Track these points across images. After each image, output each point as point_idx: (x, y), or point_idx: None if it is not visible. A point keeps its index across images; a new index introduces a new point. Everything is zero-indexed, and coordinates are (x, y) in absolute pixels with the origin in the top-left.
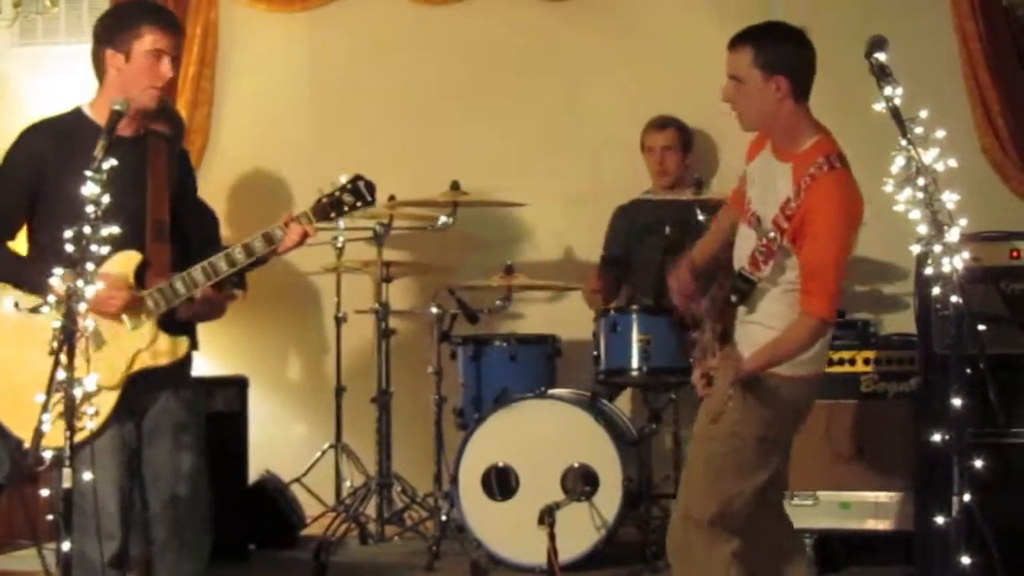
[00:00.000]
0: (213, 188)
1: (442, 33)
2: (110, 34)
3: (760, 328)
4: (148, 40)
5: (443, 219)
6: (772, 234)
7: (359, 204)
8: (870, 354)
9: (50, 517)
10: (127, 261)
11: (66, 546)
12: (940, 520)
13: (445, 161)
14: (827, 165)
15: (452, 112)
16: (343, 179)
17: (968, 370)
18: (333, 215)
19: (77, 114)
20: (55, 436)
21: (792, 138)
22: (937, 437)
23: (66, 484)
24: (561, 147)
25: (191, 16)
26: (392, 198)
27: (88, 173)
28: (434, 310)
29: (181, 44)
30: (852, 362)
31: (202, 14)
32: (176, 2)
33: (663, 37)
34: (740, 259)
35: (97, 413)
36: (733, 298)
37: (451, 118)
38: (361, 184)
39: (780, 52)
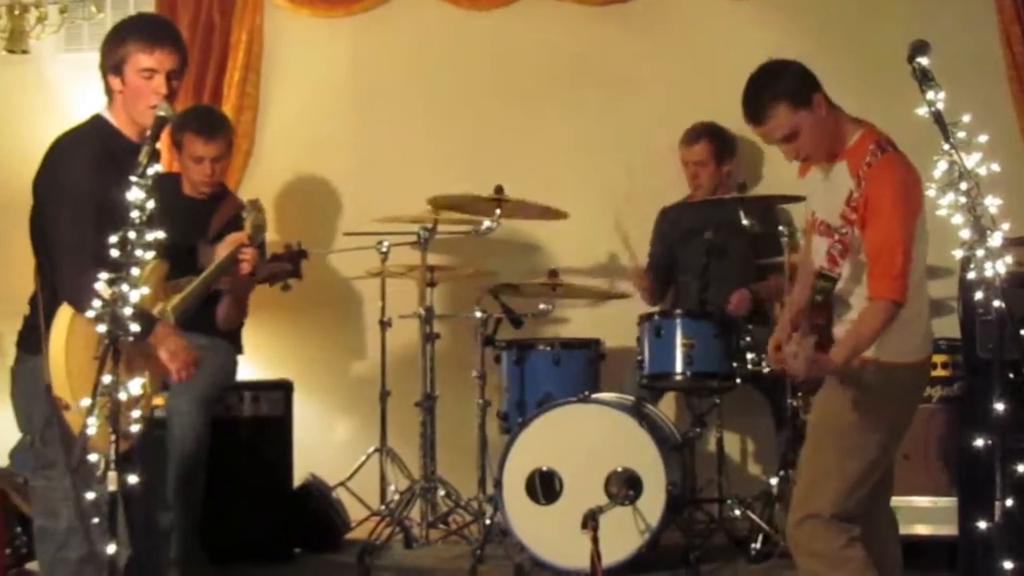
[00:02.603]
0: (258, 191)
1: (485, 38)
2: (106, 58)
3: None
4: (136, 61)
5: (487, 223)
6: (844, 229)
7: (262, 225)
8: None
9: (95, 521)
10: (156, 268)
11: (111, 549)
12: (983, 525)
13: (489, 165)
14: (880, 150)
15: (495, 116)
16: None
17: (1011, 375)
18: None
19: (102, 122)
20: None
21: (840, 138)
22: (980, 442)
23: (111, 487)
24: (604, 151)
25: (236, 22)
26: (435, 199)
27: (133, 179)
28: (478, 314)
29: (176, 52)
30: None
31: (247, 20)
32: (221, 9)
33: (706, 42)
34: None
35: (142, 418)
36: (817, 298)
37: (494, 122)
38: (258, 211)
39: (796, 80)
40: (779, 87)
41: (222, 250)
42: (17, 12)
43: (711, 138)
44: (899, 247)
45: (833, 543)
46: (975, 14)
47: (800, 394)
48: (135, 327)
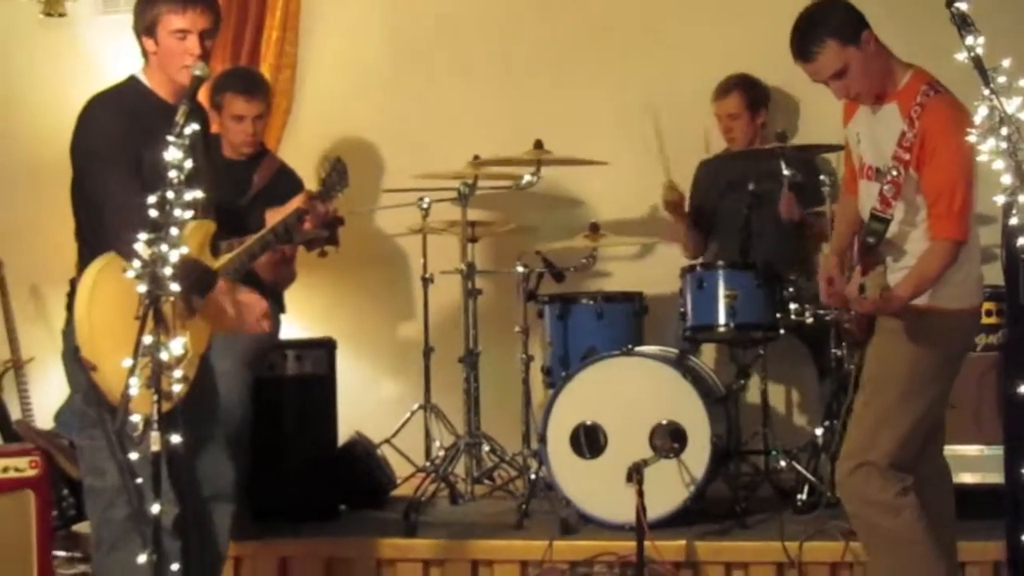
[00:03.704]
0: (298, 150)
1: None
2: (138, 19)
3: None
4: (168, 22)
5: (527, 178)
6: (896, 170)
7: (344, 185)
8: None
9: (139, 480)
10: (205, 228)
11: (155, 509)
12: None
13: (528, 120)
14: (932, 91)
15: (534, 71)
16: (328, 164)
17: None
18: (331, 197)
19: (136, 83)
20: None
21: (891, 78)
22: (1023, 389)
23: (155, 448)
24: (642, 103)
25: None
26: (476, 158)
27: (170, 138)
28: (520, 269)
29: (209, 11)
30: None
31: None
32: None
33: None
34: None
35: (186, 378)
36: (870, 240)
37: (534, 77)
38: (340, 166)
39: (844, 17)
40: (827, 23)
41: (277, 214)
42: None
43: (743, 89)
44: (959, 186)
45: (888, 491)
46: None
47: (844, 344)
48: (199, 281)
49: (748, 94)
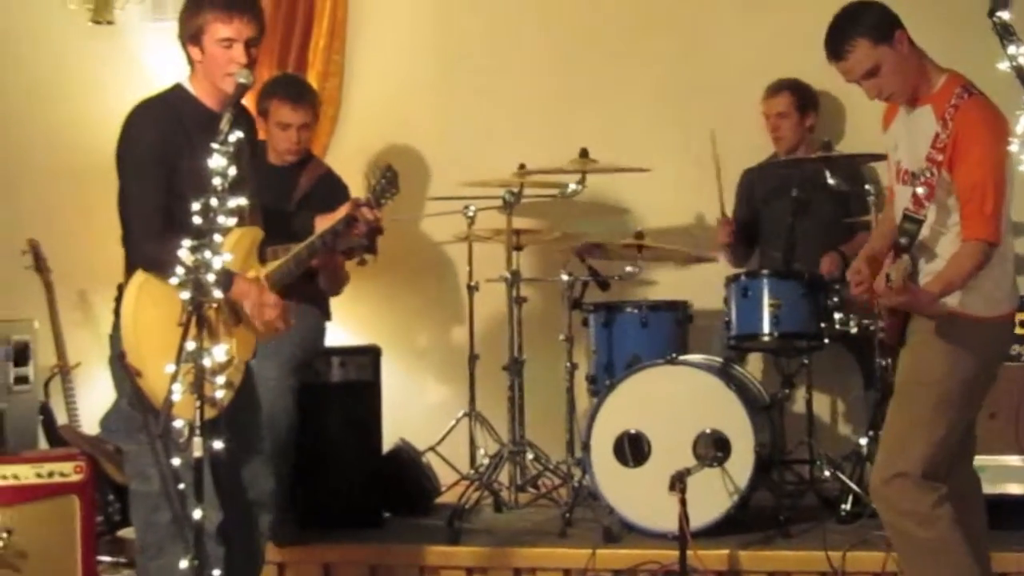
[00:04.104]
0: (345, 157)
1: (567, 1)
2: (184, 28)
3: None
4: (215, 31)
5: (572, 186)
6: (929, 171)
7: (394, 191)
8: None
9: (181, 486)
10: (252, 234)
11: (197, 514)
12: None
13: (573, 128)
14: (966, 93)
15: (580, 78)
16: (378, 171)
17: None
18: (382, 202)
19: (181, 91)
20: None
21: (925, 82)
22: None
23: (197, 453)
24: (688, 112)
25: None
26: (522, 166)
27: (215, 145)
28: (565, 277)
29: (254, 21)
30: None
31: None
32: None
33: None
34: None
35: (231, 385)
36: (902, 240)
37: (579, 85)
38: (390, 174)
39: (877, 16)
40: (860, 22)
41: (326, 220)
42: None
43: (793, 90)
44: (991, 187)
45: (923, 502)
46: None
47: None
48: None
49: (798, 95)
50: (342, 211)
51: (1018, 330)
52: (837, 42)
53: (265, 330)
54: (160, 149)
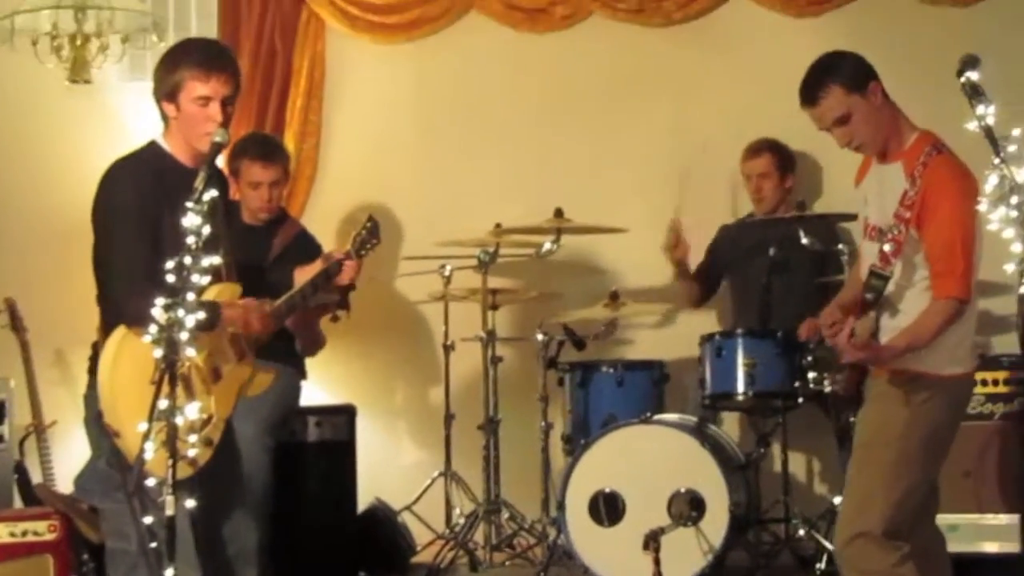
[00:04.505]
0: (322, 217)
1: (545, 60)
2: (159, 85)
3: None
4: (191, 88)
5: (547, 246)
6: (897, 228)
7: (375, 242)
8: (977, 375)
9: (153, 545)
10: (230, 291)
11: (169, 574)
12: None
13: (550, 188)
14: (935, 151)
15: (556, 139)
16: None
17: None
18: (363, 253)
19: (156, 148)
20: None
21: (897, 137)
22: None
23: (169, 512)
24: (665, 171)
25: (298, 49)
26: (498, 226)
27: (189, 204)
28: (540, 337)
29: (232, 80)
30: None
31: (309, 47)
32: (283, 36)
33: (765, 59)
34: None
35: (210, 442)
36: (868, 296)
37: (555, 145)
38: (371, 224)
39: (856, 67)
40: (834, 70)
41: (308, 271)
42: (79, 42)
43: (773, 151)
44: (960, 246)
45: (885, 561)
46: None
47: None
48: (201, 318)
49: (778, 155)
50: (320, 262)
51: (991, 388)
52: (811, 88)
53: (247, 331)
54: (141, 205)
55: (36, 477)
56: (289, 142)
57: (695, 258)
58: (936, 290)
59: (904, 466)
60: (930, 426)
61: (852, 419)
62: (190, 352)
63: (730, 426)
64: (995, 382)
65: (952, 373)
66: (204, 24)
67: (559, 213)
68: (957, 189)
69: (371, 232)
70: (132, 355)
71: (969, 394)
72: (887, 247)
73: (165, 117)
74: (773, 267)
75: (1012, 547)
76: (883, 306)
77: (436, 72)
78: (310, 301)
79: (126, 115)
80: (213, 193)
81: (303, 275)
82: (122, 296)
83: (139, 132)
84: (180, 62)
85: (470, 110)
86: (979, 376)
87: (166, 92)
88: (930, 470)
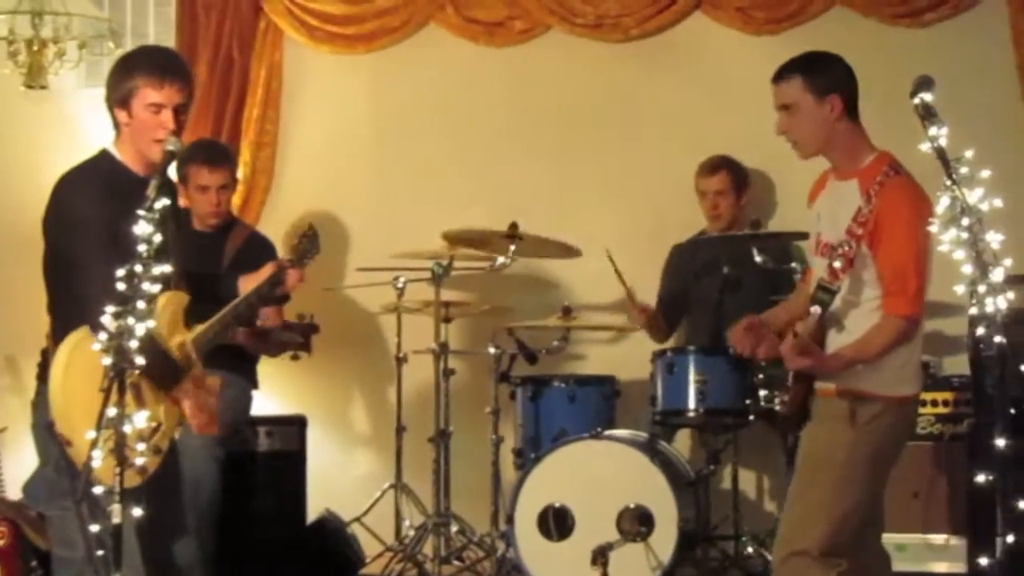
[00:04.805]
0: (278, 227)
1: (504, 74)
2: (112, 91)
3: None
4: (144, 95)
5: (501, 260)
6: (847, 244)
7: (315, 251)
8: (927, 395)
9: (100, 553)
10: (177, 300)
11: None
12: (984, 562)
13: (506, 202)
14: (893, 172)
15: (513, 153)
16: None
17: (1013, 411)
18: (305, 261)
19: (108, 156)
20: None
21: (853, 156)
22: (982, 478)
23: (115, 520)
24: (620, 187)
25: (256, 58)
26: (447, 234)
27: (141, 212)
28: (492, 350)
29: (185, 88)
30: None
31: (266, 56)
32: (241, 45)
33: (723, 77)
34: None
35: (158, 450)
36: (814, 309)
37: (512, 159)
38: (311, 232)
39: (829, 74)
40: (809, 64)
41: (253, 280)
42: (36, 48)
43: (730, 168)
44: (915, 266)
45: None
46: (992, 51)
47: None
48: (162, 374)
49: (735, 174)
50: (265, 271)
51: (940, 409)
52: (784, 68)
53: (196, 430)
54: (100, 214)
55: None
56: (245, 151)
57: (652, 281)
58: (887, 307)
59: (847, 485)
60: (875, 446)
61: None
62: (139, 360)
63: (681, 443)
64: (945, 403)
65: (898, 394)
66: (162, 31)
67: (514, 227)
68: (912, 211)
69: (311, 240)
70: (84, 363)
71: (915, 416)
72: (836, 263)
73: (117, 124)
74: (726, 285)
75: (959, 567)
76: (829, 321)
77: (394, 84)
78: (255, 310)
79: (82, 121)
80: (165, 201)
81: (248, 283)
82: (94, 302)
83: (95, 139)
84: (134, 68)
85: (427, 122)
86: (929, 396)
87: (119, 98)
88: (873, 490)
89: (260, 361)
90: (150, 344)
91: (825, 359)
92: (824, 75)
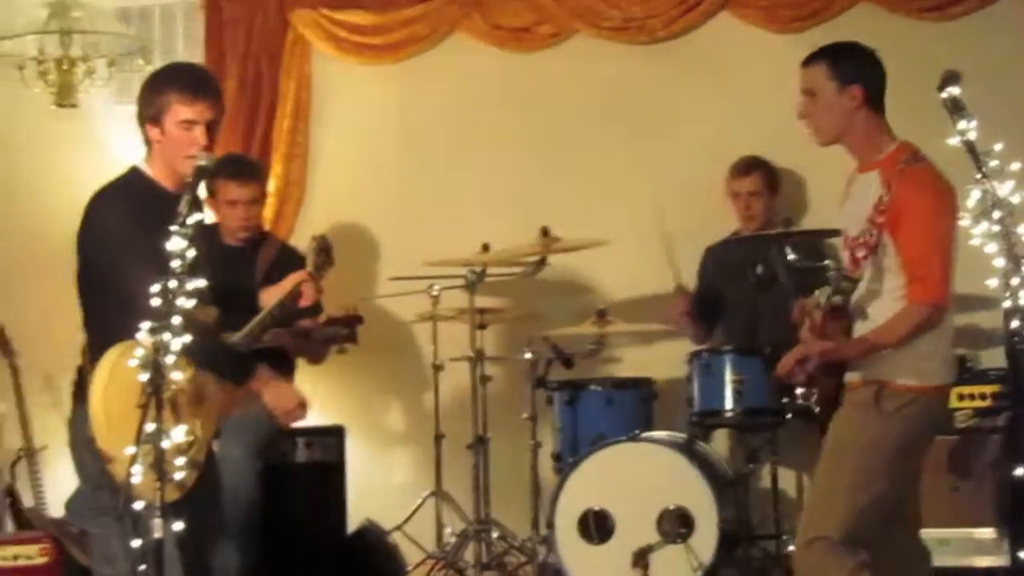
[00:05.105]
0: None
1: (531, 79)
2: (144, 108)
3: None
4: (176, 112)
5: (534, 264)
6: (869, 233)
7: (327, 259)
8: (964, 389)
9: (142, 568)
10: (207, 314)
11: None
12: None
13: (535, 207)
14: (914, 160)
15: (542, 157)
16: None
17: None
18: (321, 273)
19: (138, 173)
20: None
21: (874, 146)
22: (1021, 471)
23: (157, 535)
24: (649, 189)
25: (284, 71)
26: (485, 246)
27: (173, 228)
28: (528, 356)
29: (217, 104)
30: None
31: (295, 69)
32: (270, 59)
33: (750, 76)
34: None
35: (196, 464)
36: (836, 299)
37: (541, 163)
38: (316, 244)
39: (854, 63)
40: (836, 53)
41: (275, 292)
42: (65, 66)
43: (763, 169)
44: (937, 253)
45: (842, 569)
46: (1019, 43)
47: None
48: (235, 370)
49: (767, 174)
50: (287, 283)
51: (978, 403)
52: (812, 54)
53: (284, 421)
54: (136, 228)
55: (27, 501)
56: (277, 164)
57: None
58: (911, 294)
59: (869, 477)
60: (901, 438)
61: None
62: (176, 376)
63: (719, 443)
64: (983, 396)
65: (925, 385)
66: (190, 47)
67: (545, 232)
68: (934, 197)
69: (326, 253)
70: (124, 379)
71: (943, 410)
72: (859, 252)
73: (148, 141)
74: (759, 284)
75: (1000, 561)
76: (855, 312)
77: (422, 92)
78: (281, 323)
79: (113, 139)
80: (198, 217)
81: (269, 294)
82: (138, 318)
83: (126, 156)
84: (165, 85)
85: (456, 129)
86: (967, 390)
87: (151, 115)
88: (897, 482)
89: (297, 370)
90: (213, 340)
91: (844, 345)
92: (848, 64)
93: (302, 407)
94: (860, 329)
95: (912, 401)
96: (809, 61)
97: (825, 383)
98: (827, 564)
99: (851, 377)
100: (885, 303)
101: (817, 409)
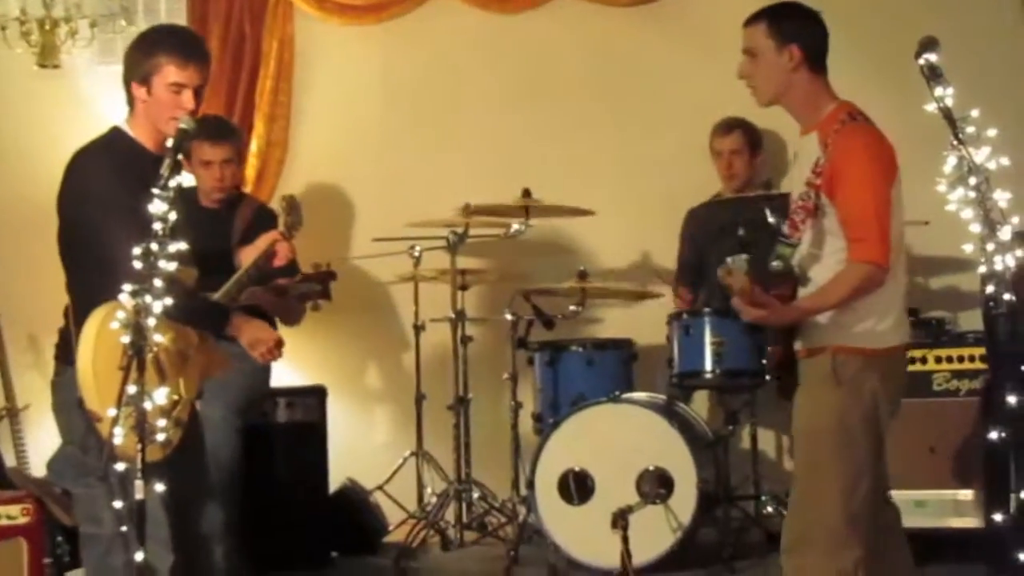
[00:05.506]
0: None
1: (513, 41)
2: (132, 67)
3: None
4: (167, 73)
5: (516, 226)
6: (807, 195)
7: (296, 219)
8: (942, 352)
9: (123, 529)
10: (187, 275)
11: (139, 556)
12: (998, 517)
13: (518, 169)
14: (850, 120)
15: (524, 120)
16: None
17: (1023, 368)
18: (293, 233)
19: (120, 134)
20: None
21: (813, 108)
22: (994, 435)
23: (139, 496)
24: (632, 151)
25: (267, 31)
26: (467, 206)
27: (155, 191)
28: (509, 317)
29: (205, 70)
30: (924, 360)
31: (278, 29)
32: (252, 18)
33: (732, 39)
34: None
35: (180, 422)
36: (775, 264)
37: (523, 126)
38: (285, 204)
39: (793, 23)
40: (776, 12)
41: (250, 252)
42: (48, 27)
43: (744, 128)
44: (876, 212)
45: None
46: (998, 10)
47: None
48: (210, 320)
49: (749, 133)
50: (261, 242)
51: (956, 365)
52: (754, 14)
53: (263, 360)
54: (116, 188)
55: (9, 461)
56: (259, 124)
57: (665, 245)
58: (852, 254)
59: (846, 449)
60: (864, 403)
61: None
62: (158, 337)
63: (699, 404)
64: (960, 359)
65: (878, 347)
66: (173, 8)
67: (527, 193)
68: (869, 157)
69: (289, 210)
70: (110, 340)
71: (902, 369)
72: (796, 215)
73: (132, 101)
74: (741, 247)
75: (975, 522)
76: (799, 278)
77: (405, 53)
78: (254, 282)
79: (96, 99)
80: (179, 179)
81: (245, 254)
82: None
83: (109, 116)
84: (157, 46)
85: (439, 91)
86: (944, 352)
87: (140, 75)
88: (875, 449)
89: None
90: (186, 294)
91: (780, 309)
92: (787, 23)
93: (279, 345)
94: (803, 294)
95: (869, 365)
96: (750, 21)
97: (775, 350)
98: (816, 566)
99: (799, 347)
100: (827, 266)
101: (770, 376)
